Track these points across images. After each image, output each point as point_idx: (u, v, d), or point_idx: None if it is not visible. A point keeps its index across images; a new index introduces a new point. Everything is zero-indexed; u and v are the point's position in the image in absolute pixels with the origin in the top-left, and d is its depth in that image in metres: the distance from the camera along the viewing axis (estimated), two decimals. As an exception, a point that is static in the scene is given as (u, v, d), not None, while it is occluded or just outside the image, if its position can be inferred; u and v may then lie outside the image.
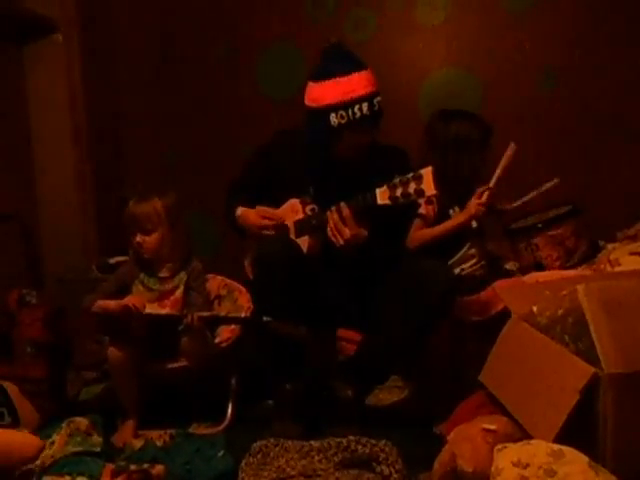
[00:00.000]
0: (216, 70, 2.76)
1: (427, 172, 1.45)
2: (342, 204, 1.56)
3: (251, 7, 2.70)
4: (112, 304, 1.68)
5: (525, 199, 1.97)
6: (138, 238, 1.76)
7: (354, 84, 1.58)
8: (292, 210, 1.72)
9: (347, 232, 1.54)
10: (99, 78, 2.72)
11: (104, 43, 2.77)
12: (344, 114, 1.58)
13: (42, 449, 1.49)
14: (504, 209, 1.98)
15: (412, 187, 1.46)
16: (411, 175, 1.46)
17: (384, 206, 1.50)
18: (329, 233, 1.57)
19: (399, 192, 1.47)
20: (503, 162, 1.90)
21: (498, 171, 1.90)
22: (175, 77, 2.80)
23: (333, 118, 1.59)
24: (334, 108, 1.58)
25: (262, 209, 1.75)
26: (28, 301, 1.86)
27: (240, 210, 1.78)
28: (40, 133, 2.62)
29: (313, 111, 1.63)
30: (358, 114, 1.57)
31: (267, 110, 2.64)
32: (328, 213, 1.57)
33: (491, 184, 1.90)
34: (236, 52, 2.72)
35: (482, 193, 1.88)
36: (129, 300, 1.67)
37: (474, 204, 1.87)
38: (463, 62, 2.56)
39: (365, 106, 1.57)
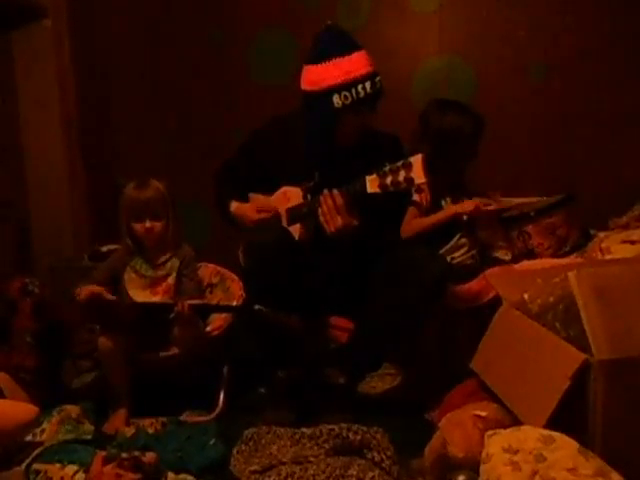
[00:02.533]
0: (207, 56, 2.72)
1: (417, 160, 1.42)
2: (335, 191, 1.53)
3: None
4: (93, 289, 1.67)
5: (524, 202, 1.97)
6: (148, 224, 1.74)
7: (355, 64, 1.57)
8: (284, 197, 1.71)
9: (339, 220, 1.53)
10: (88, 64, 2.68)
11: (93, 28, 2.73)
12: (347, 94, 1.56)
13: (38, 414, 1.47)
14: (500, 207, 1.97)
15: (402, 175, 1.43)
16: (401, 163, 1.43)
17: (374, 194, 1.48)
18: (321, 219, 1.55)
19: (389, 180, 1.45)
20: (527, 203, 1.90)
21: (518, 202, 1.90)
22: (165, 63, 2.76)
23: (336, 99, 1.57)
24: (337, 89, 1.56)
25: (257, 201, 1.74)
26: (31, 290, 1.85)
27: (234, 205, 1.77)
28: (29, 120, 2.59)
29: (313, 95, 1.60)
30: (362, 93, 1.56)
31: (258, 96, 2.62)
32: (321, 199, 1.55)
33: (504, 204, 1.90)
34: (227, 37, 2.69)
35: (490, 204, 1.88)
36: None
37: (476, 206, 1.87)
38: (456, 49, 2.55)
39: (368, 85, 1.56)
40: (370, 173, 1.48)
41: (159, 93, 2.78)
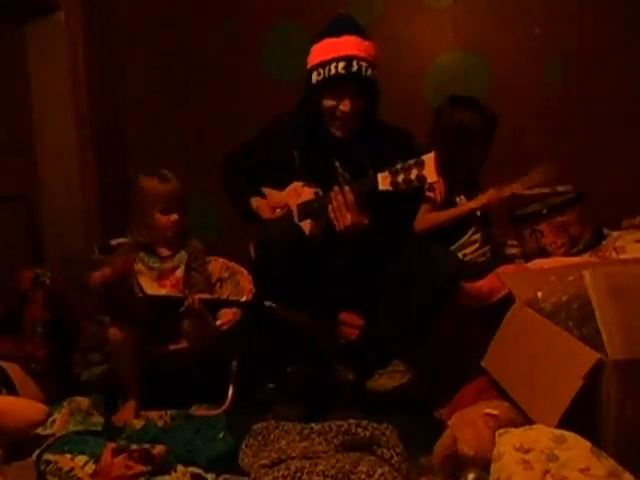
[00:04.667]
0: (220, 50, 2.73)
1: (429, 158, 1.41)
2: (346, 188, 1.53)
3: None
4: (107, 270, 1.68)
5: (536, 192, 1.94)
6: (174, 217, 1.75)
7: (339, 45, 1.59)
8: (295, 193, 1.70)
9: (349, 217, 1.52)
10: (101, 58, 2.69)
11: (106, 22, 2.74)
12: (321, 71, 1.59)
13: (49, 414, 1.49)
14: (514, 194, 1.94)
15: (414, 173, 1.42)
16: (413, 161, 1.43)
17: (386, 192, 1.47)
18: (331, 215, 1.55)
19: (400, 178, 1.44)
20: (540, 182, 1.88)
21: (531, 182, 1.87)
22: (178, 57, 2.77)
23: (314, 76, 1.61)
24: (316, 66, 1.61)
25: (270, 198, 1.75)
26: (42, 281, 1.86)
27: (255, 202, 1.78)
28: (43, 114, 2.60)
29: (306, 73, 1.65)
30: (333, 71, 1.57)
31: (271, 91, 2.62)
32: (331, 194, 1.55)
33: (518, 189, 1.87)
34: (240, 32, 2.69)
35: (504, 190, 1.86)
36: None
37: (493, 196, 1.85)
38: (471, 45, 2.53)
39: (341, 65, 1.56)
40: (382, 170, 1.48)
41: (171, 88, 2.79)
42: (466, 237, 1.92)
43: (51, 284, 1.87)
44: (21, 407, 1.46)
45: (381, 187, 1.48)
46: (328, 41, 1.61)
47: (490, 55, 2.51)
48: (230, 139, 2.65)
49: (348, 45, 1.58)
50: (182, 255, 1.80)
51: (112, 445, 1.37)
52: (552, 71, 2.49)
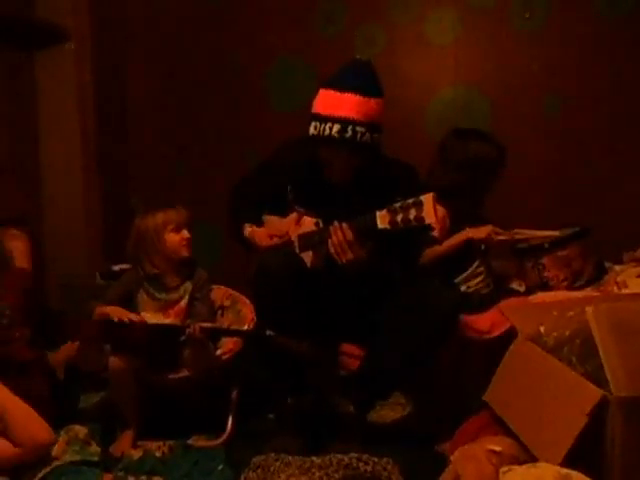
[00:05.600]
0: (226, 81, 2.78)
1: (428, 198, 1.41)
2: (344, 225, 1.53)
3: (263, 20, 2.73)
4: (112, 310, 1.67)
5: (525, 237, 1.95)
6: (185, 234, 1.77)
7: (339, 102, 1.55)
8: (295, 223, 1.71)
9: (349, 254, 1.53)
10: (109, 87, 2.74)
11: (115, 52, 2.80)
12: (317, 126, 1.57)
13: (53, 442, 1.47)
14: (511, 238, 1.95)
15: (412, 214, 1.42)
16: (412, 201, 1.42)
17: (385, 230, 1.47)
18: (331, 250, 1.55)
19: (399, 218, 1.44)
20: (539, 236, 1.89)
21: (529, 235, 1.89)
22: (185, 87, 2.82)
23: (311, 128, 1.59)
24: (315, 117, 1.59)
25: (270, 226, 1.75)
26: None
27: (248, 230, 1.78)
28: (49, 140, 2.63)
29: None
30: (327, 132, 1.55)
31: (275, 122, 2.66)
32: (331, 229, 1.55)
33: (516, 237, 1.89)
34: (246, 64, 2.74)
35: (502, 234, 1.88)
36: (127, 315, 1.67)
37: (489, 233, 1.86)
38: (471, 81, 2.58)
39: (336, 127, 1.54)
40: (381, 209, 1.48)
41: (176, 118, 2.83)
42: (470, 270, 1.92)
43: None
44: (36, 421, 1.43)
45: (380, 226, 1.47)
46: (330, 93, 1.57)
47: (490, 90, 2.56)
48: (234, 167, 2.70)
49: (347, 105, 1.54)
50: (187, 286, 1.80)
51: (108, 477, 1.35)
52: (551, 107, 2.53)
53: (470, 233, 1.90)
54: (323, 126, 1.56)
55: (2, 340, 1.71)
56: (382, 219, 1.47)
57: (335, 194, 1.68)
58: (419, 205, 1.41)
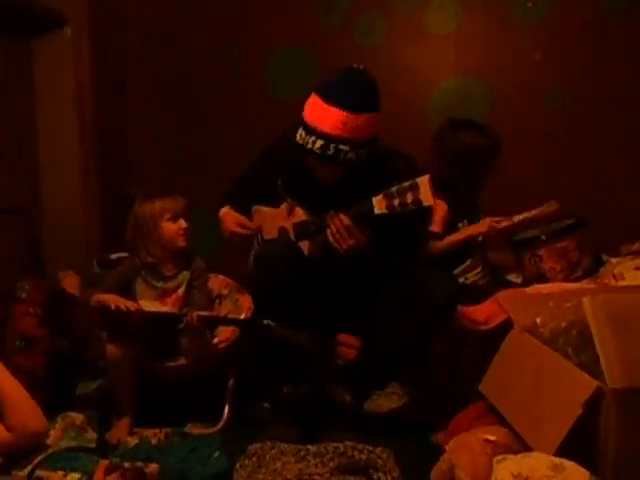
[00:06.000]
0: (225, 70, 2.76)
1: (424, 181, 1.39)
2: (341, 214, 1.52)
3: (262, 9, 2.71)
4: (109, 298, 1.67)
5: (525, 216, 1.94)
6: (182, 223, 1.76)
7: (324, 115, 1.50)
8: (288, 213, 1.71)
9: (349, 241, 1.52)
10: (107, 74, 2.72)
11: (113, 40, 2.77)
12: (303, 135, 1.54)
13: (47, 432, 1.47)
14: (512, 224, 1.95)
15: (409, 197, 1.41)
16: (408, 184, 1.41)
17: (382, 215, 1.46)
18: (330, 239, 1.55)
19: (396, 202, 1.43)
20: (538, 212, 1.88)
21: (529, 215, 1.88)
22: (183, 76, 2.80)
23: (297, 135, 1.56)
24: (302, 124, 1.55)
25: (261, 215, 1.76)
26: (18, 296, 1.84)
27: (223, 210, 1.80)
28: (46, 127, 2.62)
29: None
30: (310, 146, 1.53)
31: (274, 112, 2.64)
32: (328, 219, 1.54)
33: (516, 220, 1.88)
34: (245, 53, 2.72)
35: (502, 221, 1.87)
36: (124, 303, 1.66)
37: (489, 225, 1.86)
38: (473, 71, 2.56)
39: (318, 144, 1.51)
40: (377, 194, 1.47)
41: (175, 106, 2.81)
42: (468, 263, 1.92)
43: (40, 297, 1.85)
44: (29, 408, 1.42)
45: (377, 211, 1.47)
46: (318, 102, 1.53)
47: (491, 80, 2.55)
48: (232, 156, 2.69)
49: (332, 121, 1.49)
50: (185, 274, 1.80)
51: (105, 463, 1.35)
52: (552, 97, 2.52)
53: (471, 230, 1.90)
54: (307, 138, 1.53)
55: (18, 313, 1.76)
56: (379, 204, 1.46)
57: (325, 189, 1.67)
58: (415, 188, 1.40)
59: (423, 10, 2.58)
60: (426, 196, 1.39)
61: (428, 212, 1.74)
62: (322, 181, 1.66)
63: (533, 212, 1.90)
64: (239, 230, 1.74)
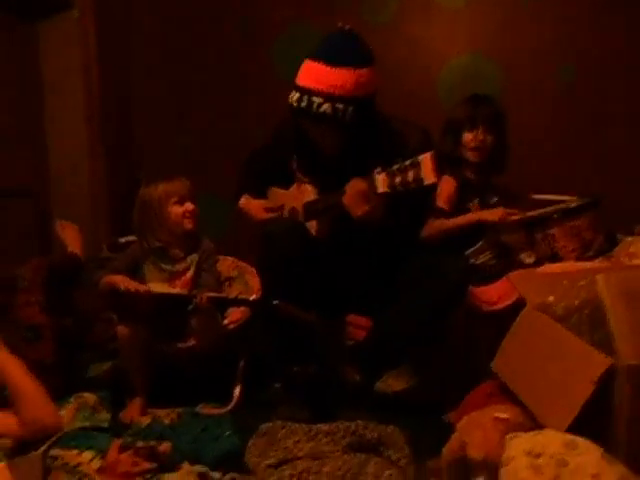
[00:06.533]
0: (232, 51, 2.73)
1: (425, 158, 1.34)
2: (356, 179, 1.50)
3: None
4: (119, 279, 1.68)
5: (540, 213, 1.91)
6: (189, 206, 1.77)
7: (305, 71, 1.52)
8: (300, 193, 1.70)
9: (365, 206, 1.48)
10: (113, 56, 2.71)
11: (119, 21, 2.76)
12: (291, 96, 1.54)
13: (61, 428, 1.45)
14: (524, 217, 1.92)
15: (410, 175, 1.36)
16: (409, 162, 1.37)
17: (385, 194, 1.43)
18: (345, 203, 1.51)
19: (397, 180, 1.39)
20: (554, 209, 1.84)
21: (544, 211, 1.86)
22: (190, 58, 2.78)
23: (289, 97, 1.55)
24: (299, 89, 1.54)
25: (275, 197, 1.75)
26: (19, 285, 1.82)
27: (243, 200, 1.79)
28: (54, 111, 2.62)
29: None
30: (289, 101, 1.53)
31: (282, 92, 2.61)
32: (346, 187, 1.52)
33: (530, 214, 1.85)
34: (253, 32, 2.70)
35: (515, 214, 1.85)
36: (134, 285, 1.66)
37: (503, 215, 1.84)
38: (483, 48, 2.52)
39: (295, 96, 1.52)
40: (379, 172, 1.44)
41: (182, 86, 2.80)
42: (479, 245, 1.90)
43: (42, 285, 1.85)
44: (42, 403, 1.41)
45: (380, 190, 1.43)
46: (305, 62, 1.55)
47: (503, 57, 2.50)
48: (240, 138, 2.68)
49: (310, 74, 1.51)
50: (194, 257, 1.81)
51: (118, 441, 1.37)
52: (564, 74, 2.47)
53: (483, 215, 1.87)
54: (294, 95, 1.54)
55: (20, 302, 1.76)
56: (382, 183, 1.43)
57: (335, 164, 1.66)
58: (417, 166, 1.35)
59: (434, -15, 2.53)
60: (428, 174, 1.35)
61: (432, 187, 1.72)
62: (326, 149, 1.64)
63: (549, 209, 1.88)
64: (268, 215, 1.72)
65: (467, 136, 1.92)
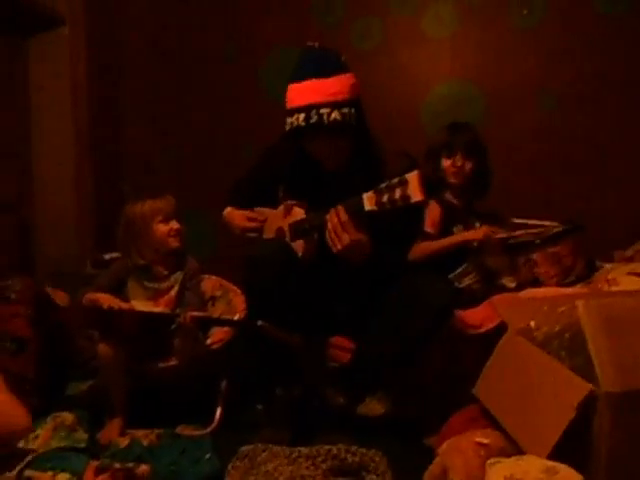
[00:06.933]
0: (220, 70, 2.76)
1: (413, 177, 1.36)
2: (339, 207, 1.50)
3: (259, 10, 2.72)
4: (102, 297, 1.66)
5: (521, 234, 1.95)
6: (174, 225, 1.76)
7: (300, 92, 1.56)
8: (287, 212, 1.70)
9: (346, 237, 1.48)
10: (103, 73, 2.71)
11: (110, 39, 2.77)
12: (288, 120, 1.58)
13: (30, 428, 1.44)
14: (508, 236, 1.96)
15: (398, 193, 1.37)
16: (397, 180, 1.38)
17: (372, 213, 1.44)
18: (327, 237, 1.52)
19: (385, 198, 1.40)
20: (537, 232, 1.89)
21: (526, 233, 1.89)
22: (179, 76, 2.80)
23: (286, 125, 1.59)
24: (286, 113, 1.59)
25: (247, 211, 1.76)
26: (7, 296, 1.81)
27: (227, 210, 1.79)
28: (41, 126, 2.61)
29: None
30: (296, 123, 1.56)
31: (269, 112, 2.64)
32: (327, 216, 1.52)
33: (515, 234, 1.89)
34: (241, 53, 2.73)
35: (499, 233, 1.88)
36: (117, 303, 1.65)
37: (487, 234, 1.87)
38: (467, 75, 2.58)
39: (301, 117, 1.54)
40: (367, 191, 1.45)
41: (170, 106, 2.81)
42: (462, 268, 1.93)
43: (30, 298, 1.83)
44: (11, 404, 1.39)
45: (367, 207, 1.43)
46: (293, 86, 1.59)
47: (486, 85, 2.56)
48: (226, 156, 2.69)
49: (307, 92, 1.55)
50: (178, 275, 1.80)
51: (95, 463, 1.34)
52: (546, 102, 2.54)
53: (467, 235, 1.91)
54: (291, 119, 1.56)
55: (6, 314, 1.73)
56: (369, 201, 1.43)
57: (330, 185, 1.67)
58: (404, 184, 1.37)
59: (420, 14, 2.60)
60: (415, 192, 1.36)
61: (420, 210, 1.75)
62: (330, 163, 1.65)
63: (532, 231, 1.91)
64: (249, 224, 1.74)
65: (445, 162, 1.97)
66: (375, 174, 1.55)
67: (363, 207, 1.45)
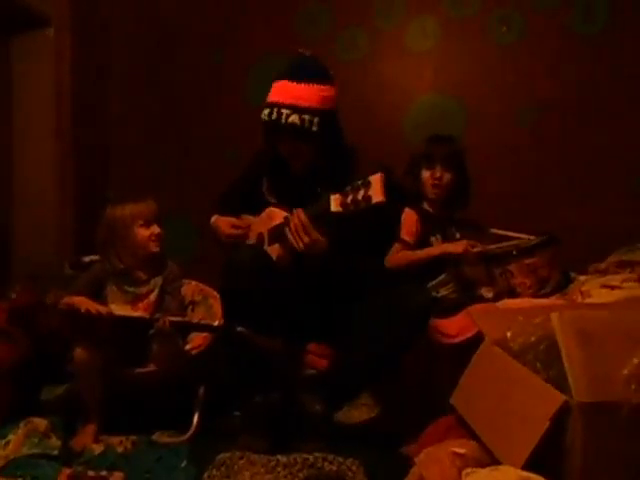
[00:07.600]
0: (206, 80, 2.77)
1: (375, 178, 1.41)
2: (298, 210, 1.56)
3: (245, 21, 2.73)
4: (80, 301, 1.64)
5: (499, 247, 1.98)
6: (155, 229, 1.76)
7: (273, 89, 1.65)
8: (269, 218, 1.72)
9: (305, 238, 1.54)
10: (88, 77, 2.69)
11: (94, 41, 2.75)
12: (265, 112, 1.64)
13: None
14: (486, 250, 1.99)
15: (361, 194, 1.41)
16: (360, 182, 1.43)
17: (338, 214, 1.47)
18: (289, 237, 1.57)
19: (349, 199, 1.44)
20: (515, 245, 1.91)
21: (504, 246, 1.92)
22: (166, 81, 2.79)
23: (263, 113, 1.65)
24: (268, 105, 1.65)
25: (232, 219, 1.78)
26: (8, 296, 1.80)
27: (213, 218, 1.81)
28: (23, 128, 2.57)
29: None
30: (261, 117, 1.64)
31: (254, 122, 2.64)
32: (289, 218, 1.58)
33: (491, 248, 1.92)
34: (227, 64, 2.74)
35: (478, 247, 1.91)
36: (95, 306, 1.63)
37: (465, 248, 1.89)
38: (449, 89, 2.62)
39: (266, 112, 1.63)
40: (334, 192, 1.49)
41: (156, 110, 2.80)
42: (440, 278, 1.95)
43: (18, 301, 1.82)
44: None
45: (333, 208, 1.48)
46: (273, 84, 1.67)
47: (467, 99, 2.61)
48: (210, 164, 2.69)
49: (277, 91, 1.65)
50: (157, 280, 1.78)
51: (67, 471, 1.32)
52: (526, 116, 2.59)
53: (446, 248, 1.93)
54: (263, 112, 1.65)
55: None
56: (335, 202, 1.47)
57: (297, 188, 1.70)
58: (367, 185, 1.41)
59: (404, 28, 2.64)
60: (376, 193, 1.40)
61: (393, 216, 1.82)
62: (295, 167, 1.70)
63: (510, 243, 1.95)
64: (233, 231, 1.77)
65: (425, 174, 1.99)
66: (340, 182, 1.55)
67: (329, 208, 1.49)
